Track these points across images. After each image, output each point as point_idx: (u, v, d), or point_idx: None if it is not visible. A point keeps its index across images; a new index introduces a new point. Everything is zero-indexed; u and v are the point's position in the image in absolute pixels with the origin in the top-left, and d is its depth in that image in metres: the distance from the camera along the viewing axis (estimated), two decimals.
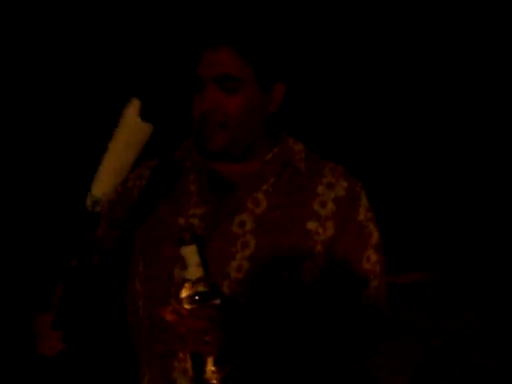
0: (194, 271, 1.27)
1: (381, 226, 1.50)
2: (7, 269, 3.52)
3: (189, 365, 1.33)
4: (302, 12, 3.97)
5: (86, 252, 1.28)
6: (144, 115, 1.25)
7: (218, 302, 1.28)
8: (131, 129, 1.26)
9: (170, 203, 1.47)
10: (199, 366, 1.28)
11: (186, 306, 1.26)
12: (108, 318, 1.47)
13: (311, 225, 1.42)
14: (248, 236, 1.40)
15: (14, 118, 3.77)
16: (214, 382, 1.26)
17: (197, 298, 1.27)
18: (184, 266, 1.29)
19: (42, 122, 3.82)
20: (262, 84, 1.43)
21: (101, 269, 1.49)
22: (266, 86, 1.44)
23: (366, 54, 4.28)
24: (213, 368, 1.26)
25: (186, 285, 1.28)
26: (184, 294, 1.28)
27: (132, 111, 1.25)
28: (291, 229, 1.41)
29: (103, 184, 1.26)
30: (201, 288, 1.27)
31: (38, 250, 3.56)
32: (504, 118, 4.53)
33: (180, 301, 1.28)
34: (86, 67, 3.75)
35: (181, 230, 1.35)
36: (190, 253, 1.28)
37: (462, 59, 4.38)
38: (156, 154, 1.58)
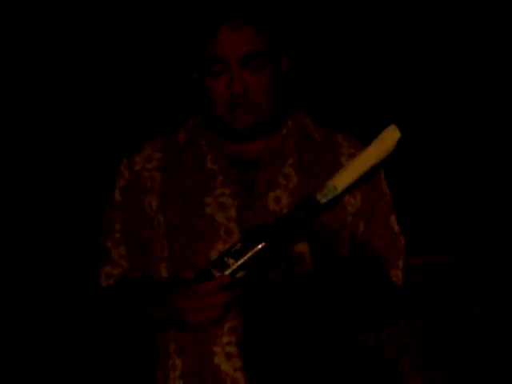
0: (310, 265, 1.31)
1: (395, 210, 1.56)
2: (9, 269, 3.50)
3: (233, 349, 1.34)
4: None
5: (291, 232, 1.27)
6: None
7: None
8: (388, 148, 1.30)
9: (191, 184, 1.42)
10: None
11: None
12: None
13: (345, 196, 1.43)
14: (285, 212, 1.36)
15: (16, 119, 3.74)
16: None
17: None
18: (299, 261, 1.30)
19: (45, 123, 3.78)
20: (276, 57, 1.42)
21: None
22: (278, 59, 1.43)
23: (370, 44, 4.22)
24: None
25: None
26: None
27: (394, 134, 1.30)
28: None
29: (346, 181, 1.28)
30: None
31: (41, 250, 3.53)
32: None
33: None
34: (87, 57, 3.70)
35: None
36: (306, 248, 1.30)
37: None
38: (156, 134, 1.52)
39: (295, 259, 1.30)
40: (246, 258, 1.23)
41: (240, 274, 1.23)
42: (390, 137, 1.29)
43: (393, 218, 1.52)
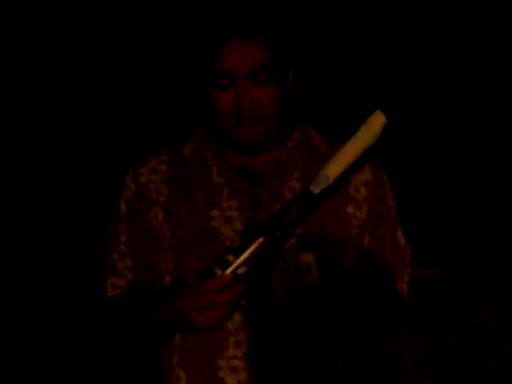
0: (316, 276, 1.32)
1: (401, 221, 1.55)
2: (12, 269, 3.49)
3: (239, 363, 1.34)
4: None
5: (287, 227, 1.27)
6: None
7: None
8: (375, 133, 1.29)
9: (197, 197, 1.41)
10: None
11: None
12: None
13: (350, 208, 1.44)
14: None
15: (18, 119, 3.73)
16: None
17: None
18: (306, 272, 1.30)
19: (51, 129, 3.78)
20: (283, 70, 1.41)
21: None
22: (285, 72, 1.42)
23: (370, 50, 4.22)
24: None
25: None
26: None
27: (379, 119, 1.29)
28: (333, 213, 1.41)
29: (338, 169, 1.28)
30: None
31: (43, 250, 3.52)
32: None
33: None
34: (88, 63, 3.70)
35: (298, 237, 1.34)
36: (312, 259, 1.31)
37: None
38: (161, 146, 1.52)
39: (301, 269, 1.30)
40: (246, 253, 1.22)
41: (242, 270, 1.22)
42: (377, 122, 1.29)
43: (399, 232, 1.51)
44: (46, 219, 3.53)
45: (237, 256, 1.22)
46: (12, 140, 3.55)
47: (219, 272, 1.22)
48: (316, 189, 1.26)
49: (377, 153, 1.40)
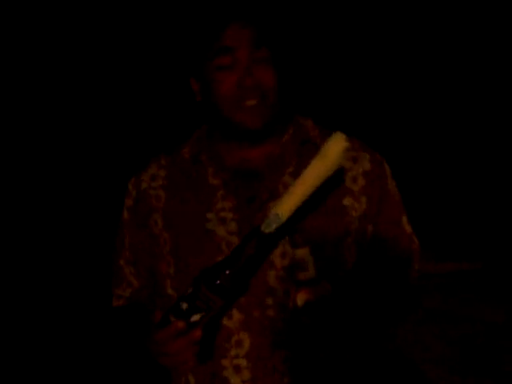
0: (313, 271, 1.26)
1: (416, 218, 1.53)
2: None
3: (241, 361, 1.33)
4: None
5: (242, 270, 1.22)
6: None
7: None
8: (332, 162, 1.22)
9: (193, 200, 1.42)
10: None
11: None
12: None
13: (347, 201, 1.41)
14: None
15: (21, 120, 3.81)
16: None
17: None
18: (302, 267, 1.26)
19: (56, 131, 3.83)
20: (277, 57, 1.40)
21: None
22: (279, 60, 1.41)
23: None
24: None
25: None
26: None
27: (336, 145, 1.22)
28: (328, 207, 1.38)
29: (289, 206, 1.22)
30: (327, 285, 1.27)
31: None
32: None
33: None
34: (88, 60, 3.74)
35: (291, 233, 1.28)
36: (307, 254, 1.26)
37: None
38: (161, 150, 1.52)
39: (298, 265, 1.29)
40: (197, 302, 1.19)
41: (195, 318, 1.20)
42: (333, 149, 1.21)
43: (404, 219, 1.47)
44: (58, 222, 3.59)
45: (189, 304, 1.19)
46: (18, 145, 3.62)
47: (173, 319, 1.20)
48: (267, 228, 1.20)
49: (398, 151, 1.34)
